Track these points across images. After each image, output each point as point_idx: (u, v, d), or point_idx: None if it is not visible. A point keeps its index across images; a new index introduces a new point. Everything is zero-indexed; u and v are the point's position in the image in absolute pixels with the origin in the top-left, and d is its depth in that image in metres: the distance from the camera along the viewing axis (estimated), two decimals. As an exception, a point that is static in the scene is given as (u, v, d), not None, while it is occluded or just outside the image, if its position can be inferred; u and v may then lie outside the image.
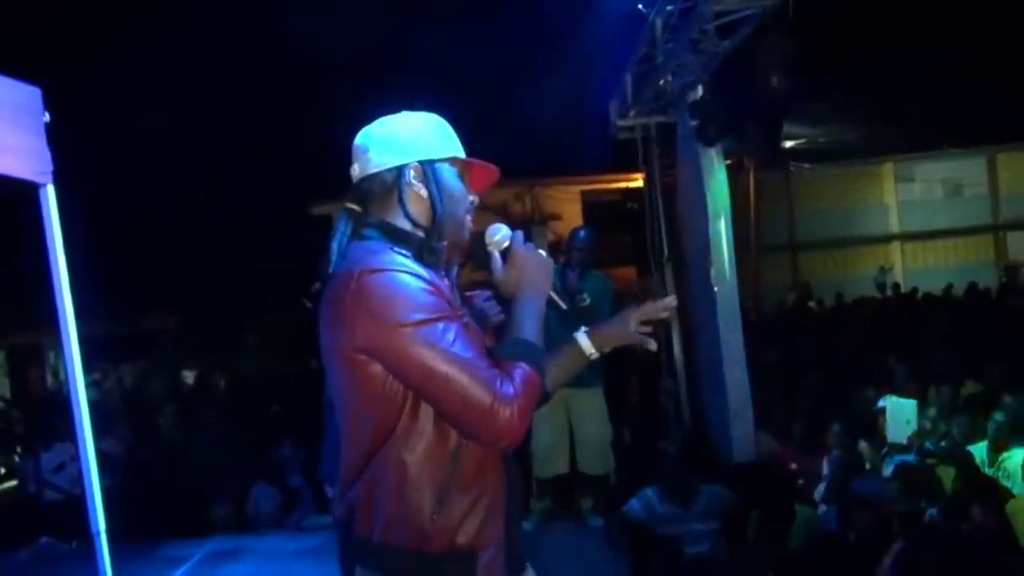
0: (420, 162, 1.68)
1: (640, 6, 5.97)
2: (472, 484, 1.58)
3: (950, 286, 14.19)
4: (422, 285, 1.54)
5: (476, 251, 1.77)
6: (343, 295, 1.53)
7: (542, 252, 1.73)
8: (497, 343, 1.65)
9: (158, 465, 6.46)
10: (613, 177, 15.86)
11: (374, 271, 1.53)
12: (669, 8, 5.58)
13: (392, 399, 1.54)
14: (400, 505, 1.56)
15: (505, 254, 1.73)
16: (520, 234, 1.75)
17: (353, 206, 1.71)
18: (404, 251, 1.62)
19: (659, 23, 5.84)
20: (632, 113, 6.84)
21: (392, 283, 1.52)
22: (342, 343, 1.54)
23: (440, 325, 1.51)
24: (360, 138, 1.73)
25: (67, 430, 4.65)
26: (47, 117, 3.30)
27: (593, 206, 17.63)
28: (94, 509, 3.25)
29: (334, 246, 1.67)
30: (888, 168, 20.49)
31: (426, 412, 1.55)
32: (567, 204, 17.47)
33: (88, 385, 3.64)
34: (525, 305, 1.65)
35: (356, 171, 1.71)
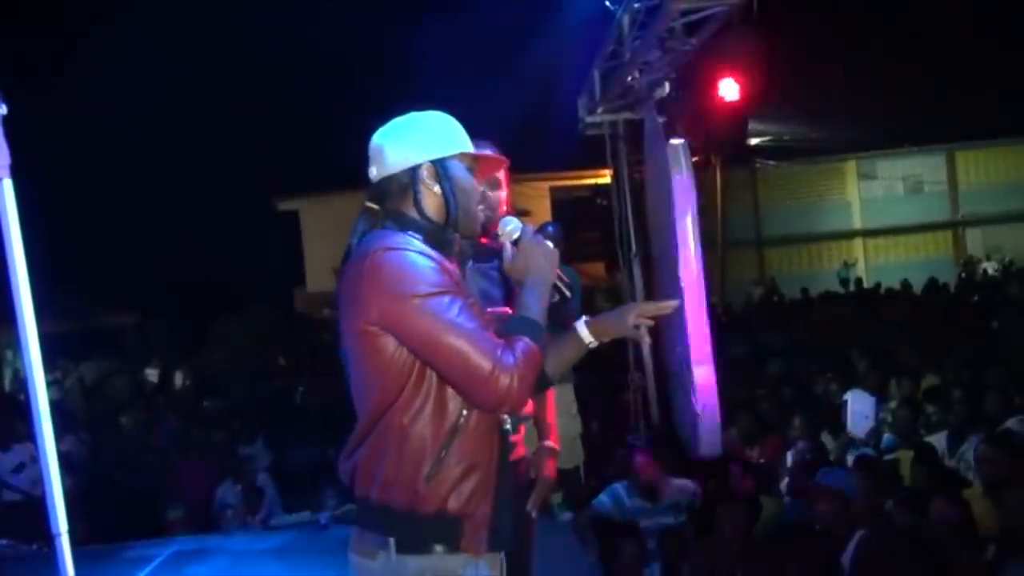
0: (432, 161, 1.82)
1: (607, 3, 5.99)
2: (465, 457, 1.72)
3: (906, 282, 14.53)
4: (431, 264, 1.70)
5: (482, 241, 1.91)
6: (359, 273, 1.70)
7: (548, 243, 1.88)
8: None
9: (121, 465, 6.35)
10: (582, 173, 15.93)
11: (387, 249, 1.70)
12: (636, 5, 5.61)
13: (399, 370, 1.69)
14: (398, 466, 1.70)
15: (515, 244, 1.90)
16: (529, 227, 1.92)
17: (372, 205, 1.85)
18: (418, 236, 1.78)
19: (626, 20, 5.86)
20: (600, 110, 6.86)
21: (403, 260, 1.68)
22: (357, 317, 1.70)
23: (446, 298, 1.67)
24: (376, 139, 1.87)
25: (27, 430, 4.56)
26: (4, 109, 3.22)
27: (562, 202, 17.69)
28: (54, 510, 3.19)
29: (354, 240, 1.81)
30: (851, 165, 20.81)
31: (428, 386, 1.70)
32: (536, 200, 17.49)
33: (48, 384, 3.57)
34: (530, 289, 1.81)
35: (374, 172, 1.86)
